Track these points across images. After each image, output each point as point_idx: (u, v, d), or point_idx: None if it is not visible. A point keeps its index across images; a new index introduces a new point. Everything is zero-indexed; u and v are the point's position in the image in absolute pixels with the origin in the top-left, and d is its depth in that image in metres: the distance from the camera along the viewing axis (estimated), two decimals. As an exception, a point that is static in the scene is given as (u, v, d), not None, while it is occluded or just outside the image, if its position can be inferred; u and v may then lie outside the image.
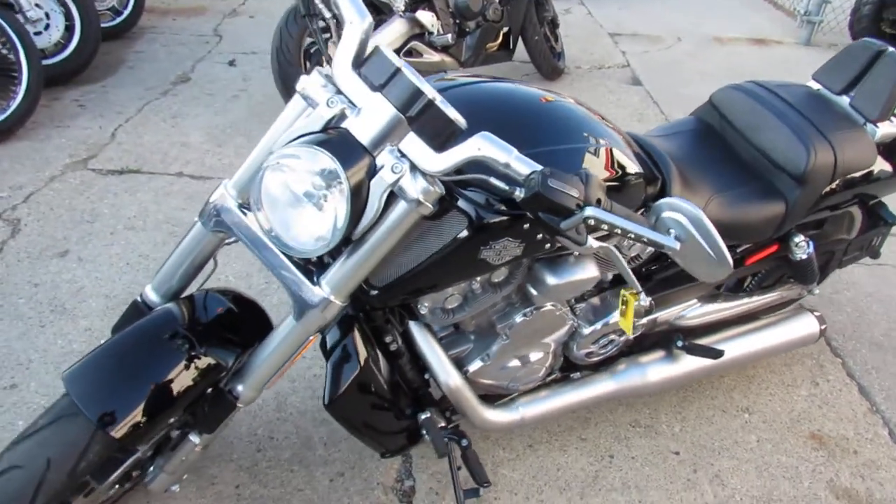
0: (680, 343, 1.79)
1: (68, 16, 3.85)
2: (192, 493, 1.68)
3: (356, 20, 1.15)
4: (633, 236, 1.04)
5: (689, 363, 1.82)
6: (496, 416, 1.62)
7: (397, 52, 3.97)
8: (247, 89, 4.01)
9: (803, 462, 1.89)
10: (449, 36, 3.93)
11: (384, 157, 1.11)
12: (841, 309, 2.47)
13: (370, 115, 1.10)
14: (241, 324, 1.36)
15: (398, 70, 1.09)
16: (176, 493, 1.62)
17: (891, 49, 1.75)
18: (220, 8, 5.46)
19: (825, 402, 2.09)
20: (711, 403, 2.05)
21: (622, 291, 1.39)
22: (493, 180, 1.10)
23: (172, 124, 3.53)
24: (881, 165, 1.82)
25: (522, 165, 1.06)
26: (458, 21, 3.94)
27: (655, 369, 1.80)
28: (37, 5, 3.62)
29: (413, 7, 3.62)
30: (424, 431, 1.50)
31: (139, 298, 1.37)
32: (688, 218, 1.06)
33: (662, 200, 1.09)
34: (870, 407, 2.09)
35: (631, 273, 1.33)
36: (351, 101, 1.13)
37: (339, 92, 1.15)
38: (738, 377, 2.14)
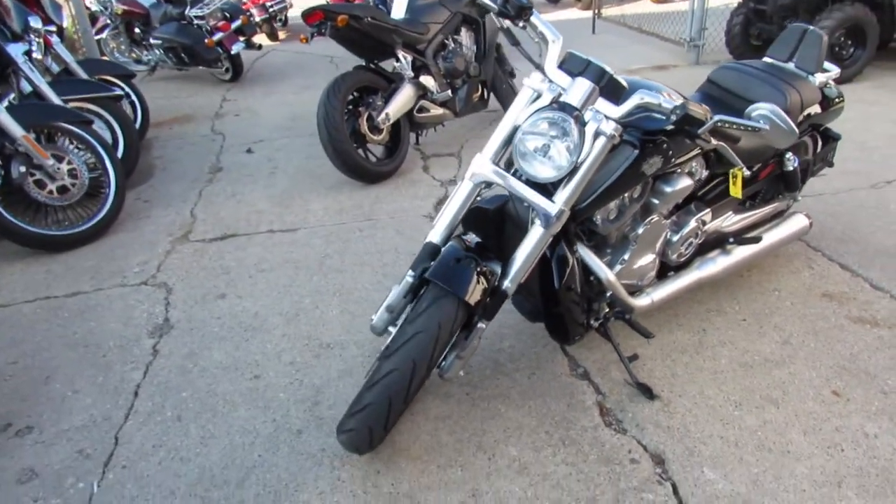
0: (731, 240, 2.61)
1: (111, 129, 4.43)
2: (439, 402, 2.30)
3: (555, 39, 1.94)
4: (742, 127, 1.85)
5: (738, 254, 2.64)
6: (637, 301, 2.36)
7: (410, 111, 4.83)
8: (277, 167, 4.68)
9: (825, 308, 2.73)
10: (448, 91, 4.91)
11: (588, 114, 1.88)
12: (806, 224, 3.40)
13: (576, 90, 1.87)
14: (488, 248, 2.05)
15: (590, 61, 1.88)
16: (462, 376, 2.36)
17: (811, 27, 2.73)
18: (204, 113, 6.12)
19: (822, 276, 2.96)
20: (752, 290, 2.87)
21: (731, 171, 2.20)
22: (654, 114, 1.89)
23: (236, 200, 4.14)
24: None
25: (669, 103, 1.85)
26: (448, 80, 4.91)
27: (720, 260, 2.60)
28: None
29: (417, 74, 4.51)
30: (607, 306, 2.22)
31: (428, 241, 2.03)
32: (768, 110, 1.89)
33: (751, 106, 1.92)
34: (851, 274, 2.97)
35: (735, 156, 2.12)
36: (561, 87, 1.91)
37: (551, 82, 1.93)
38: (761, 273, 2.99)
